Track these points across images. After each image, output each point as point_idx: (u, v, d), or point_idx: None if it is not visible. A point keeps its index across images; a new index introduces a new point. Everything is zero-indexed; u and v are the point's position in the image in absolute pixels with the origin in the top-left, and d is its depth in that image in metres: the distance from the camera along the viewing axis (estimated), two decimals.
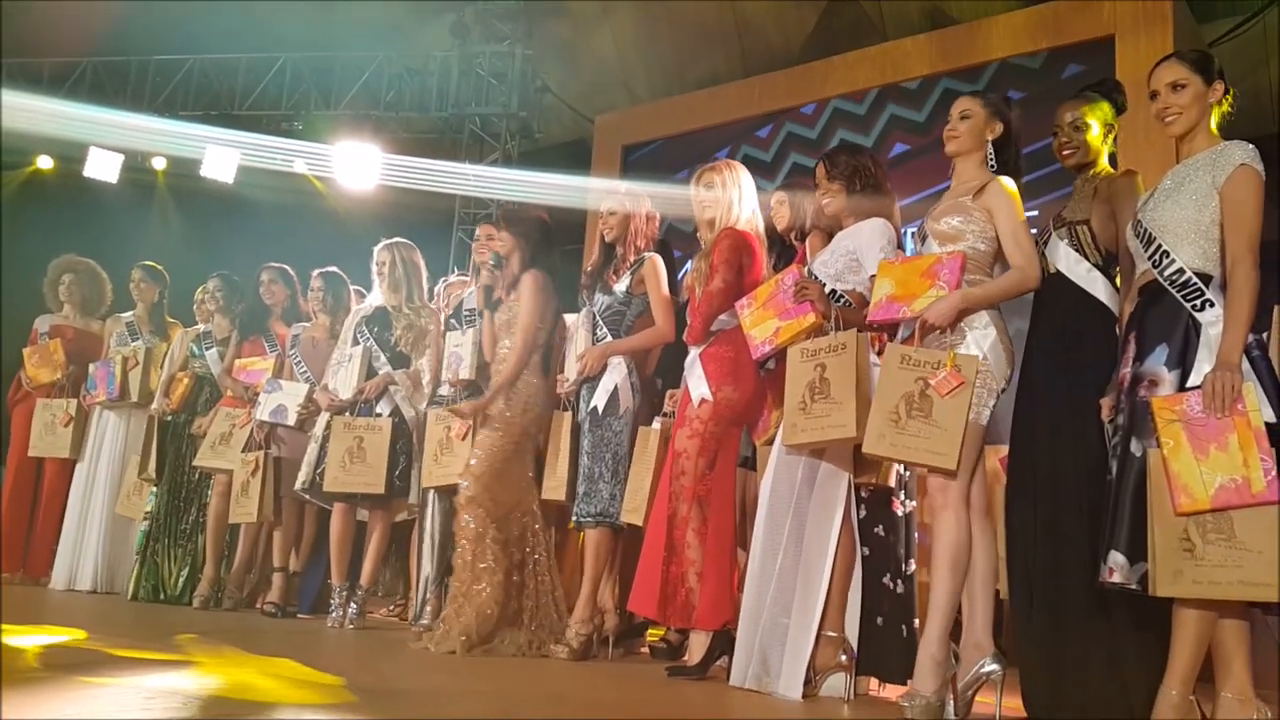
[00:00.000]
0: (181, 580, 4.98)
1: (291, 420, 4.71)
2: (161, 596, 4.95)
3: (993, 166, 2.85)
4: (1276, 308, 2.45)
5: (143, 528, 5.14)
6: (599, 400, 3.71)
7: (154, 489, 5.17)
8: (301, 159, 8.07)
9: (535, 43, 8.09)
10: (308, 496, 4.51)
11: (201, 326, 5.37)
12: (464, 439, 3.94)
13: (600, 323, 3.81)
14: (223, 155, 8.16)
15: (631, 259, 3.79)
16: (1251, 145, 2.42)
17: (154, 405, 5.24)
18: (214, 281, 5.38)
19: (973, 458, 2.69)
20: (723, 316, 3.40)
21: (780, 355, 3.12)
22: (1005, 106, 2.92)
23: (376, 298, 4.59)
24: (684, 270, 4.52)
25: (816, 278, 3.13)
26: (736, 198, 3.49)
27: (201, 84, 8.45)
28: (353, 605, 4.28)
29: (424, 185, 7.69)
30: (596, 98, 8.56)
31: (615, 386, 3.69)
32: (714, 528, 3.26)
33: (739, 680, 2.97)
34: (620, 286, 3.79)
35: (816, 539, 2.96)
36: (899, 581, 3.18)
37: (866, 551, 3.14)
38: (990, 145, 2.86)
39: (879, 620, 3.13)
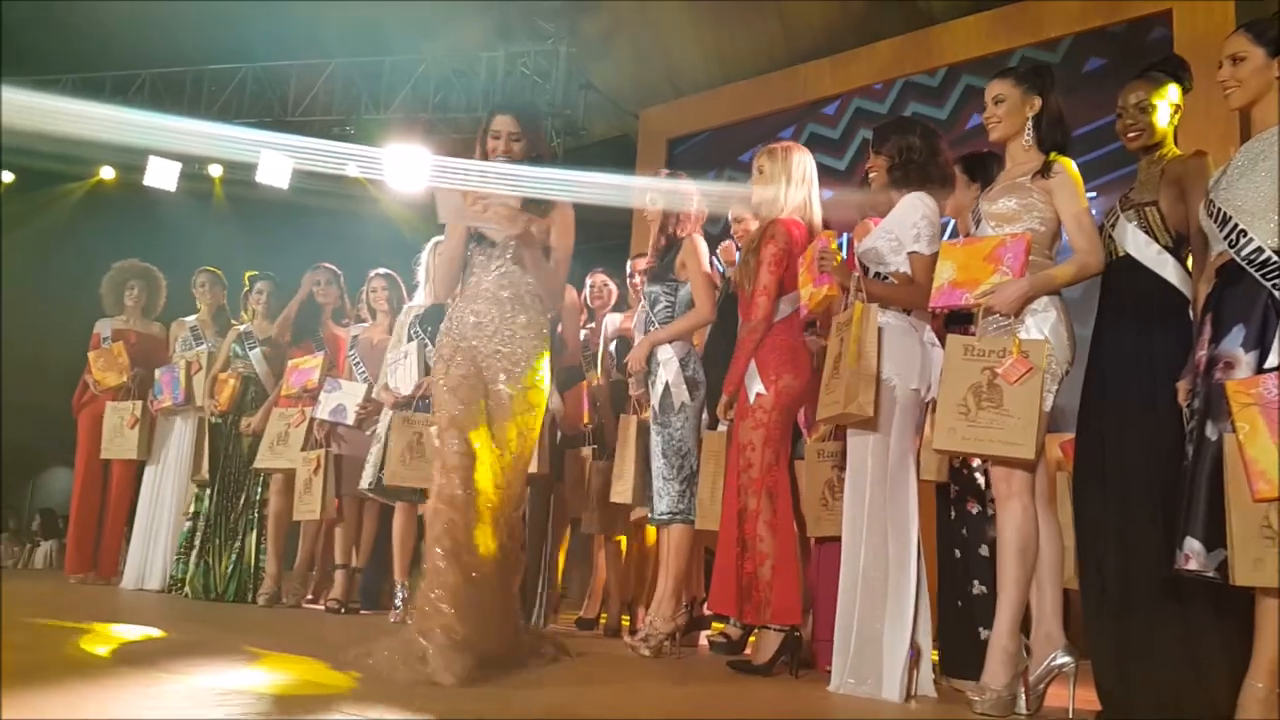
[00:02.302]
0: (231, 578, 5.06)
1: (350, 419, 4.78)
2: (212, 595, 5.04)
3: (1029, 141, 2.78)
4: None
5: (185, 527, 5.24)
6: (655, 400, 3.70)
7: (198, 490, 5.27)
8: (353, 162, 8.18)
9: (578, 39, 8.09)
10: (372, 495, 4.57)
11: (243, 326, 5.47)
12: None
13: (650, 314, 3.80)
14: (277, 161, 8.30)
15: (664, 244, 3.78)
16: None
17: (202, 406, 5.35)
18: (262, 283, 5.47)
19: (1041, 445, 2.63)
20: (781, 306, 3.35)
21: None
22: (1040, 79, 2.83)
23: (422, 296, 4.62)
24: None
25: (843, 251, 3.08)
26: (784, 185, 3.40)
27: (255, 91, 8.61)
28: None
29: (473, 185, 7.72)
30: (640, 92, 8.55)
31: (668, 383, 3.67)
32: (783, 520, 3.23)
33: (837, 685, 2.84)
34: (664, 273, 3.78)
35: (897, 539, 2.84)
36: (975, 583, 3.08)
37: (957, 554, 3.10)
38: (1030, 121, 2.79)
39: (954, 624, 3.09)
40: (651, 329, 3.78)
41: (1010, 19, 6.77)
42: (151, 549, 5.46)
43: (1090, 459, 2.75)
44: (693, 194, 3.85)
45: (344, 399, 4.81)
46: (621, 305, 4.93)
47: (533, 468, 3.73)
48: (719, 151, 8.12)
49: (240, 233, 9.14)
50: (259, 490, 5.18)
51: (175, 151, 8.50)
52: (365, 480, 4.53)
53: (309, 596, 5.19)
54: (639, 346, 3.76)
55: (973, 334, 2.74)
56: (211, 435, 5.28)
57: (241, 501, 5.19)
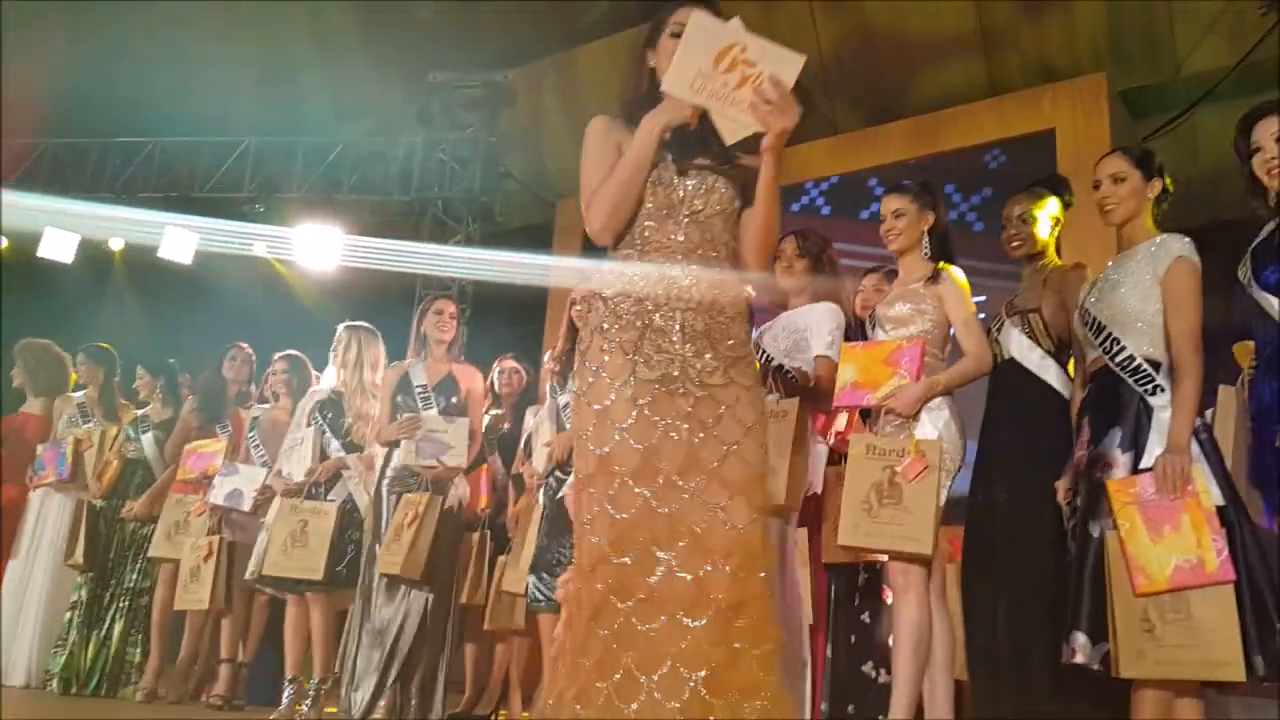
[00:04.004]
0: (93, 670, 4.79)
1: (247, 505, 4.60)
2: (72, 690, 4.74)
3: (927, 255, 2.96)
4: (1221, 387, 2.54)
5: (65, 617, 4.97)
6: (568, 487, 3.68)
7: (80, 577, 5.01)
8: (261, 241, 8.06)
9: (497, 129, 8.24)
10: (258, 586, 4.39)
11: (139, 411, 5.30)
12: (409, 527, 3.81)
13: (563, 417, 3.80)
14: (181, 236, 8.13)
15: None
16: (1187, 238, 2.55)
17: (87, 486, 5.13)
18: (142, 369, 5.34)
19: (936, 540, 2.73)
20: None
21: None
22: (933, 195, 3.04)
23: (331, 379, 4.53)
24: None
25: (763, 350, 3.18)
26: None
27: (163, 166, 8.46)
28: (306, 697, 4.13)
29: (385, 265, 7.68)
30: (559, 182, 8.71)
31: None
32: None
33: None
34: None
35: (788, 622, 2.90)
36: (880, 671, 3.13)
37: (852, 639, 3.13)
38: (926, 235, 2.97)
39: (850, 709, 3.10)
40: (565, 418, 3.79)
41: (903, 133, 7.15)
42: (15, 639, 5.10)
43: (978, 553, 2.86)
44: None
45: (241, 483, 4.64)
46: (530, 393, 4.91)
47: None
48: None
49: (142, 308, 8.87)
50: (135, 578, 4.94)
51: (74, 228, 8.25)
52: (250, 569, 4.34)
53: (190, 691, 4.91)
54: (562, 440, 3.74)
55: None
56: (90, 518, 5.04)
57: (112, 589, 4.94)
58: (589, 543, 1.87)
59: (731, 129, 1.88)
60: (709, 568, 1.80)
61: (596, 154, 2.03)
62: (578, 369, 2.02)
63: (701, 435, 1.88)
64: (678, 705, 1.71)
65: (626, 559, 1.82)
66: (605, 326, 1.95)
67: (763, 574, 1.85)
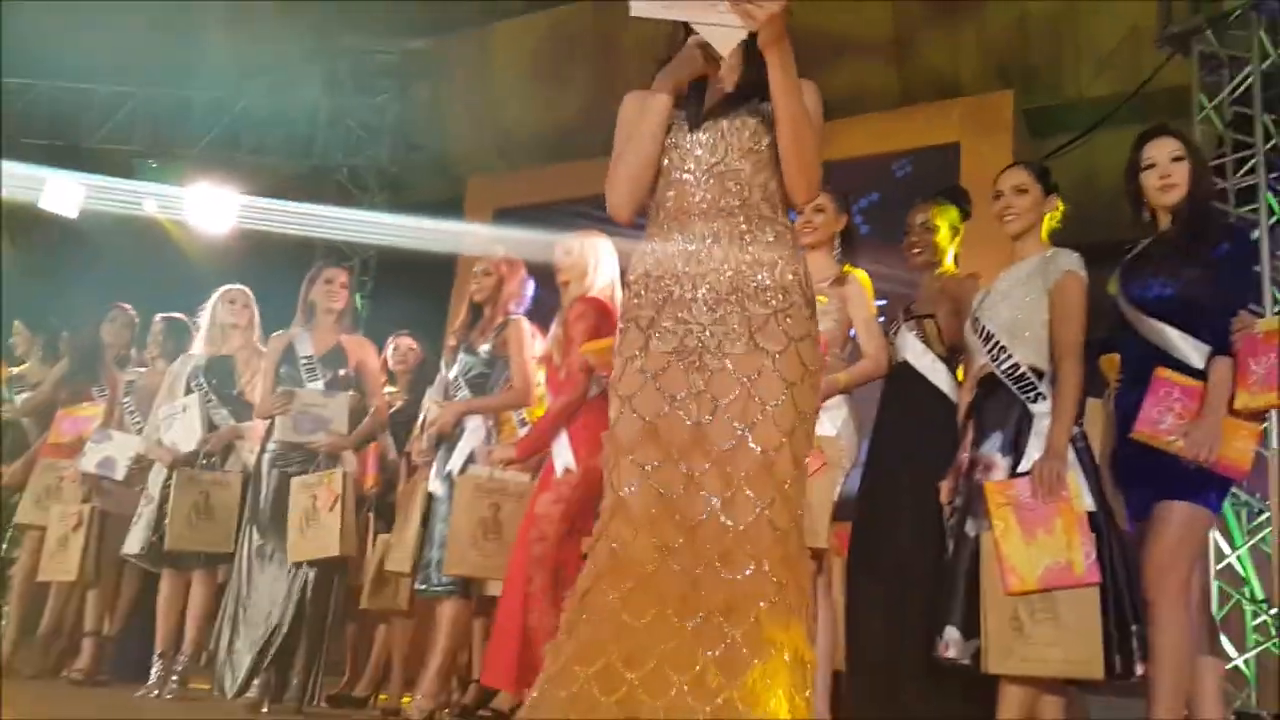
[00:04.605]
0: None
1: (120, 474, 4.39)
2: None
3: (838, 256, 3.02)
4: (1088, 400, 2.66)
5: None
6: (455, 464, 3.63)
7: None
8: (152, 199, 7.69)
9: (411, 100, 8.05)
10: (139, 561, 4.19)
11: (14, 370, 5.02)
12: (331, 510, 3.70)
13: (463, 384, 3.76)
14: (65, 187, 7.69)
15: (499, 320, 3.76)
16: (1077, 253, 2.65)
17: None
18: (20, 325, 5.06)
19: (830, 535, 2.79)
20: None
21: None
22: (846, 200, 3.12)
23: (201, 346, 4.34)
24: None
25: None
26: (592, 265, 3.48)
27: (53, 111, 7.99)
28: (175, 673, 3.97)
29: (284, 228, 7.40)
30: (471, 158, 8.56)
31: (472, 451, 3.62)
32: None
33: None
34: (484, 347, 3.75)
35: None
36: None
37: None
38: (838, 237, 3.04)
39: None
40: (459, 396, 3.73)
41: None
42: None
43: (865, 548, 2.93)
44: (521, 271, 3.87)
45: (114, 451, 4.42)
46: (428, 370, 4.81)
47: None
48: (548, 227, 8.18)
49: (22, 262, 8.36)
50: (4, 547, 4.67)
51: None
52: (135, 544, 4.14)
53: (51, 666, 4.67)
54: (447, 411, 3.70)
55: None
56: None
57: None
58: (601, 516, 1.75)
59: (721, 37, 1.69)
60: (701, 569, 1.64)
61: (620, 128, 1.90)
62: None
63: (711, 416, 1.70)
64: (660, 705, 1.57)
65: (614, 543, 1.69)
66: (628, 310, 1.83)
67: (777, 579, 1.64)
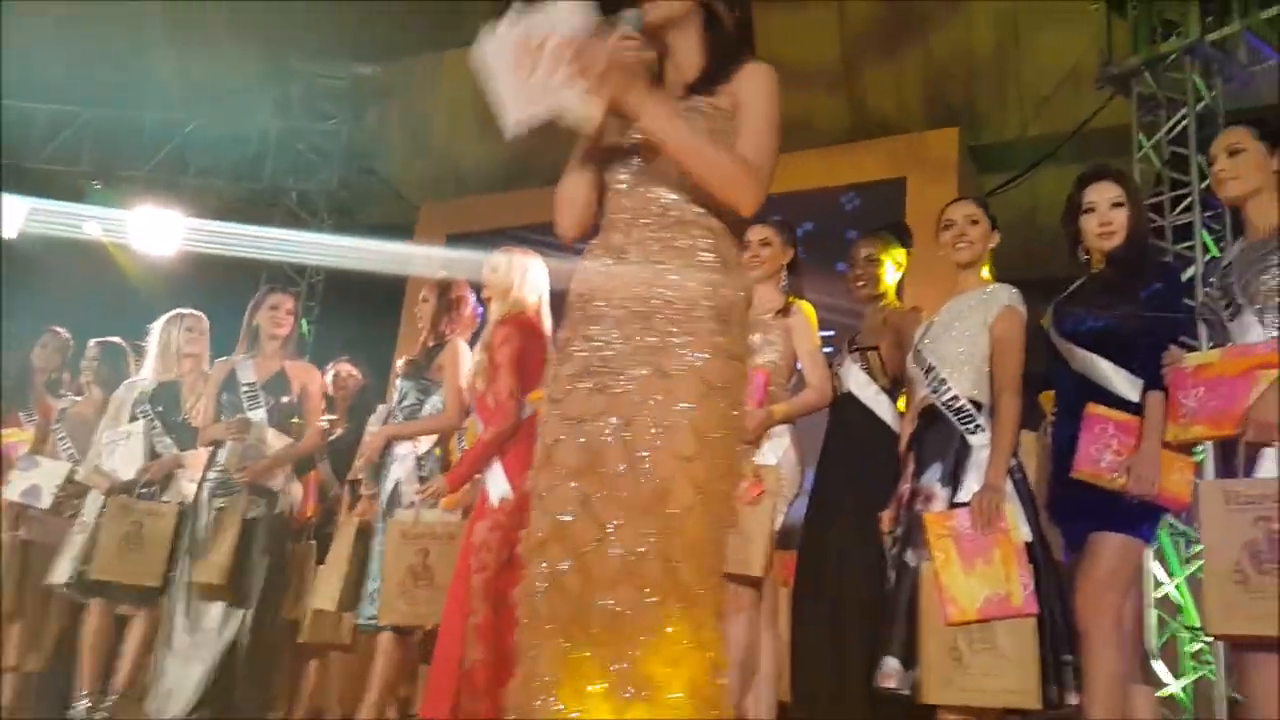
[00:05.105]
0: None
1: (45, 503, 4.24)
2: None
3: (785, 289, 3.06)
4: (1024, 433, 2.70)
5: None
6: (384, 491, 3.57)
7: None
8: (95, 221, 7.54)
9: (363, 124, 8.01)
10: (67, 591, 4.06)
11: None
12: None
13: (398, 411, 3.70)
14: (6, 208, 7.50)
15: (431, 344, 3.72)
16: (1015, 289, 2.70)
17: None
18: None
19: (769, 563, 2.79)
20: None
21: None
22: (793, 233, 3.15)
23: (149, 371, 4.25)
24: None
25: None
26: (517, 282, 3.36)
27: None
28: (101, 712, 3.83)
29: (231, 251, 7.28)
30: (423, 185, 8.53)
31: (399, 481, 3.57)
32: (506, 626, 3.15)
33: None
34: (422, 373, 3.70)
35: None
36: None
37: None
38: (785, 268, 3.07)
39: None
40: (397, 417, 3.69)
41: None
42: None
43: (809, 578, 2.94)
44: (467, 296, 3.84)
45: (40, 478, 4.27)
46: (368, 397, 4.75)
47: None
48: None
49: None
50: None
51: None
52: (62, 574, 4.01)
53: None
54: (376, 437, 3.65)
55: None
56: None
57: None
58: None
59: (585, 119, 1.65)
60: (590, 597, 1.56)
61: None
62: None
63: (610, 438, 1.60)
64: None
65: (525, 570, 1.66)
66: (558, 333, 1.78)
67: (665, 611, 1.53)
